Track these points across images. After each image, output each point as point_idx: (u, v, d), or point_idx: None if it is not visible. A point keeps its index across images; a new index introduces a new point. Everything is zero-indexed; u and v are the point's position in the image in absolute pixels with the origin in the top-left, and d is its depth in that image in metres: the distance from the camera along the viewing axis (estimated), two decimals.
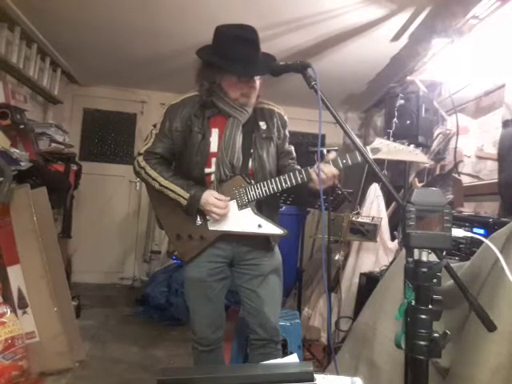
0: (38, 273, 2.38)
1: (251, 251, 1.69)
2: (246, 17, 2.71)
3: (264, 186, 1.59)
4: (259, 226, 1.60)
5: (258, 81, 1.65)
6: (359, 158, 1.50)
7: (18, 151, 2.55)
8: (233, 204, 1.61)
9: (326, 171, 1.51)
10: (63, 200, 3.58)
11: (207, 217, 1.63)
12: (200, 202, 1.57)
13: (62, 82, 4.15)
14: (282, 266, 1.78)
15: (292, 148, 1.82)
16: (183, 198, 1.58)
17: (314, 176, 1.54)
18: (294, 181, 1.57)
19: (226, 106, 1.64)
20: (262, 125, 1.71)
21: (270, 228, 1.61)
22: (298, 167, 1.73)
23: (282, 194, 2.69)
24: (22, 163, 2.52)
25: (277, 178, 1.58)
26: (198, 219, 1.64)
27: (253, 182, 1.63)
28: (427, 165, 3.09)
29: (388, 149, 1.50)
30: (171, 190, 1.61)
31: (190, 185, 1.61)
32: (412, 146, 1.55)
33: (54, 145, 3.52)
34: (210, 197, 1.57)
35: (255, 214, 1.61)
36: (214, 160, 1.63)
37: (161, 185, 1.62)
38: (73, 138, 4.39)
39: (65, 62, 3.94)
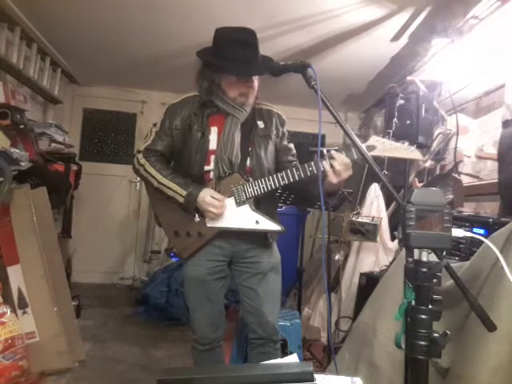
0: (38, 273, 2.38)
1: (250, 249, 1.70)
2: (246, 17, 2.72)
3: (262, 183, 1.60)
4: (257, 222, 1.61)
5: (256, 81, 1.67)
6: (355, 155, 1.49)
7: (17, 151, 2.54)
8: (231, 201, 1.62)
9: (339, 161, 1.47)
10: (63, 200, 3.58)
11: None
12: (197, 200, 1.58)
13: (61, 82, 4.15)
14: (280, 264, 1.78)
15: (292, 145, 1.83)
16: (180, 195, 1.60)
17: (326, 167, 1.48)
18: (291, 178, 1.56)
19: (224, 105, 1.65)
20: (260, 124, 1.73)
21: (267, 224, 1.62)
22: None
23: (282, 194, 2.69)
24: (22, 163, 2.52)
25: (274, 175, 1.59)
26: (197, 216, 1.65)
27: (251, 179, 1.64)
28: (427, 165, 3.09)
29: (383, 146, 1.51)
30: (169, 188, 1.62)
31: (188, 183, 1.62)
32: (407, 143, 1.55)
33: (53, 145, 3.52)
34: (207, 196, 1.58)
35: (253, 210, 1.62)
36: (212, 157, 1.65)
37: (159, 182, 1.64)
38: (73, 138, 4.38)
39: (65, 61, 3.94)
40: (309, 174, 1.54)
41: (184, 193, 1.59)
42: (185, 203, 1.60)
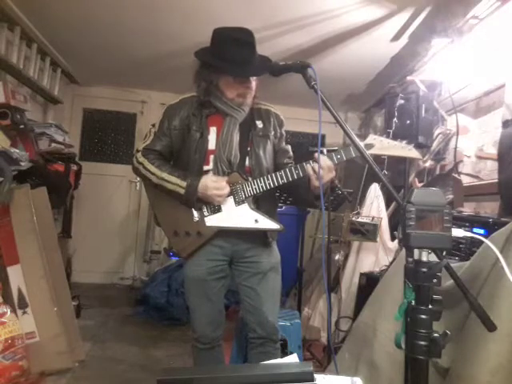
0: (38, 273, 2.38)
1: (250, 248, 1.70)
2: (246, 17, 2.72)
3: (260, 182, 1.60)
4: (256, 221, 1.62)
5: (253, 82, 1.67)
6: (353, 153, 1.51)
7: (17, 151, 2.54)
8: (230, 200, 1.63)
9: (321, 164, 1.49)
10: (63, 200, 3.58)
11: (204, 212, 1.64)
12: (198, 189, 1.59)
13: (62, 82, 4.15)
14: (280, 264, 1.78)
15: (289, 147, 1.84)
16: (181, 187, 1.60)
17: (310, 171, 1.53)
18: (290, 176, 1.57)
19: (223, 106, 1.66)
20: (259, 123, 1.74)
21: (266, 223, 1.62)
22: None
23: (281, 194, 2.69)
24: (22, 163, 2.52)
25: (273, 174, 1.60)
26: (196, 215, 1.65)
27: (250, 178, 1.64)
28: (427, 165, 3.09)
29: (381, 144, 1.52)
30: (169, 182, 1.62)
31: (187, 174, 1.63)
32: (404, 141, 1.55)
33: (53, 145, 3.52)
34: (209, 181, 1.59)
35: (252, 209, 1.63)
36: (211, 157, 1.66)
37: (159, 177, 1.64)
38: (73, 138, 4.38)
39: (65, 61, 3.94)
40: (307, 172, 1.55)
41: (184, 184, 1.60)
42: (186, 194, 1.60)
